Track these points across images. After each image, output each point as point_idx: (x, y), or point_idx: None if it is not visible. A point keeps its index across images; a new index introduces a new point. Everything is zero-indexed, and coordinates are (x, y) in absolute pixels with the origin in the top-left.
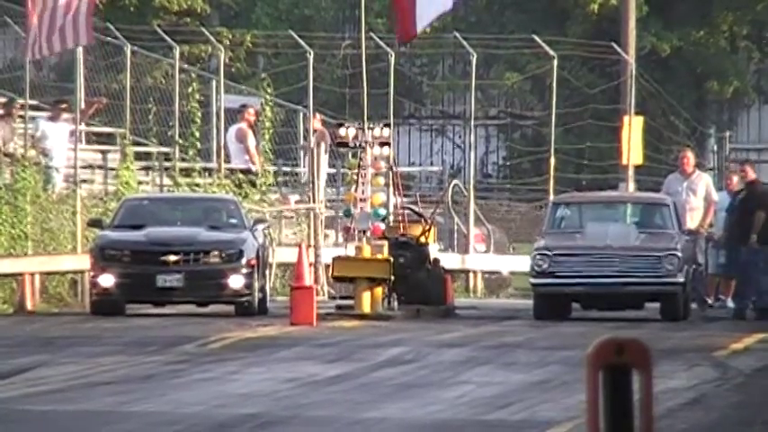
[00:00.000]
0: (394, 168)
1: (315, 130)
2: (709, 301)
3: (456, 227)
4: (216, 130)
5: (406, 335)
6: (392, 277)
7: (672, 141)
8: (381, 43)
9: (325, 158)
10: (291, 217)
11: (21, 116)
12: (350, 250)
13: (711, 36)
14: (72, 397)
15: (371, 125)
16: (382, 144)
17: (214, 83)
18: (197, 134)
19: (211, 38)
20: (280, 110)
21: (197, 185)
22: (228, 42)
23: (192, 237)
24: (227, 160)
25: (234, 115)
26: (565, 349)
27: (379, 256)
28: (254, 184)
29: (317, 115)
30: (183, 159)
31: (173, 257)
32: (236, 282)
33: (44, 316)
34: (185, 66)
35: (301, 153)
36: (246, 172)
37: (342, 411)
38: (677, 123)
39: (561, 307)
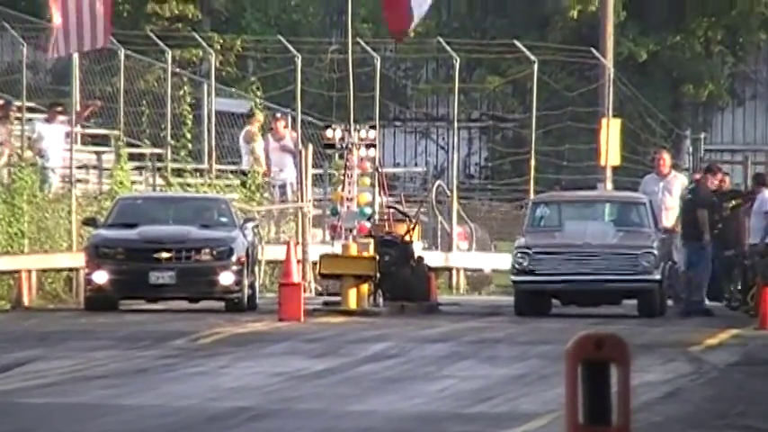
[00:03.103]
0: (379, 169)
1: (274, 130)
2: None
3: (439, 225)
4: (207, 132)
5: (390, 330)
6: (377, 274)
7: (648, 143)
8: (368, 48)
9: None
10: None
11: (18, 118)
12: (337, 248)
13: (687, 41)
14: (67, 390)
15: (358, 127)
16: (368, 145)
17: (205, 86)
18: (188, 136)
19: (203, 42)
20: (268, 112)
21: (188, 185)
22: (219, 47)
23: (184, 235)
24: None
25: (228, 118)
26: (545, 344)
27: (365, 254)
28: (244, 184)
29: (279, 116)
30: (175, 160)
31: (165, 255)
32: (226, 278)
33: (40, 312)
34: (177, 69)
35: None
36: (245, 173)
37: (329, 404)
38: (654, 125)
39: (541, 303)
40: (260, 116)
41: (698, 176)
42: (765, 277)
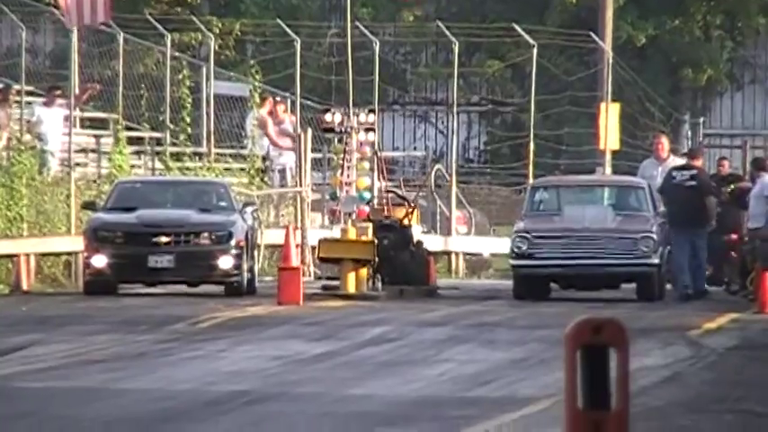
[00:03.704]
0: (378, 153)
1: (271, 113)
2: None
3: (438, 210)
4: (206, 116)
5: (389, 314)
6: (376, 258)
7: (647, 127)
8: (366, 32)
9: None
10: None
11: (17, 102)
12: (335, 232)
13: (686, 25)
14: (66, 374)
15: (357, 111)
16: (367, 129)
17: (204, 70)
18: (187, 119)
19: (201, 26)
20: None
21: (188, 169)
22: (218, 31)
23: (183, 219)
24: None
25: (227, 102)
26: (543, 328)
27: (364, 238)
28: (250, 169)
29: (270, 99)
30: (174, 144)
31: (164, 239)
32: (225, 262)
33: (39, 296)
34: (176, 53)
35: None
36: (263, 159)
37: (328, 388)
38: (652, 110)
39: (540, 287)
40: (271, 100)
41: (691, 162)
42: (766, 261)
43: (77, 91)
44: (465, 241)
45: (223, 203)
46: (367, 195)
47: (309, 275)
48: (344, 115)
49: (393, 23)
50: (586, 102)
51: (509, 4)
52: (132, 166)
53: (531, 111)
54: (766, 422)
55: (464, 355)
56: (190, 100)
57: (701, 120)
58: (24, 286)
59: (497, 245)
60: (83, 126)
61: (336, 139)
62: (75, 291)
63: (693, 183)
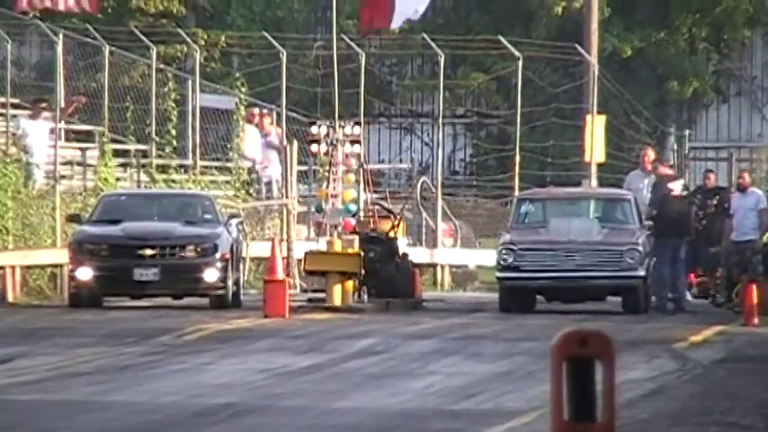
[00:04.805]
0: (364, 165)
1: (257, 124)
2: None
3: (424, 222)
4: (191, 129)
5: (375, 327)
6: (362, 271)
7: (633, 139)
8: (352, 44)
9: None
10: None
11: (2, 114)
12: (321, 245)
13: (671, 38)
14: (52, 387)
15: (342, 123)
16: (353, 142)
17: (190, 82)
18: (173, 132)
19: (187, 38)
20: (253, 108)
21: (173, 182)
22: (204, 43)
23: (168, 231)
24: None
25: (213, 115)
26: (529, 341)
27: (350, 251)
28: (228, 181)
29: (256, 110)
30: (160, 156)
31: (149, 251)
32: (210, 275)
33: (24, 308)
34: (162, 65)
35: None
36: (249, 171)
37: (314, 401)
38: (638, 122)
39: (526, 300)
40: (256, 111)
41: (664, 172)
42: (756, 273)
43: (63, 103)
44: (451, 253)
45: (208, 216)
46: (353, 208)
47: (295, 288)
48: (330, 127)
49: (379, 36)
50: (572, 114)
51: (494, 16)
52: (118, 179)
53: (517, 123)
54: None
55: (450, 367)
56: (175, 112)
57: (687, 132)
58: (10, 298)
59: (483, 257)
60: (68, 139)
61: (322, 152)
62: (61, 303)
63: (685, 193)
